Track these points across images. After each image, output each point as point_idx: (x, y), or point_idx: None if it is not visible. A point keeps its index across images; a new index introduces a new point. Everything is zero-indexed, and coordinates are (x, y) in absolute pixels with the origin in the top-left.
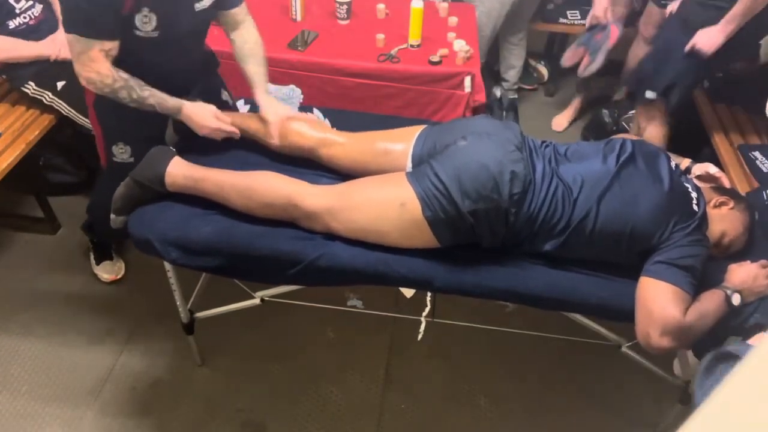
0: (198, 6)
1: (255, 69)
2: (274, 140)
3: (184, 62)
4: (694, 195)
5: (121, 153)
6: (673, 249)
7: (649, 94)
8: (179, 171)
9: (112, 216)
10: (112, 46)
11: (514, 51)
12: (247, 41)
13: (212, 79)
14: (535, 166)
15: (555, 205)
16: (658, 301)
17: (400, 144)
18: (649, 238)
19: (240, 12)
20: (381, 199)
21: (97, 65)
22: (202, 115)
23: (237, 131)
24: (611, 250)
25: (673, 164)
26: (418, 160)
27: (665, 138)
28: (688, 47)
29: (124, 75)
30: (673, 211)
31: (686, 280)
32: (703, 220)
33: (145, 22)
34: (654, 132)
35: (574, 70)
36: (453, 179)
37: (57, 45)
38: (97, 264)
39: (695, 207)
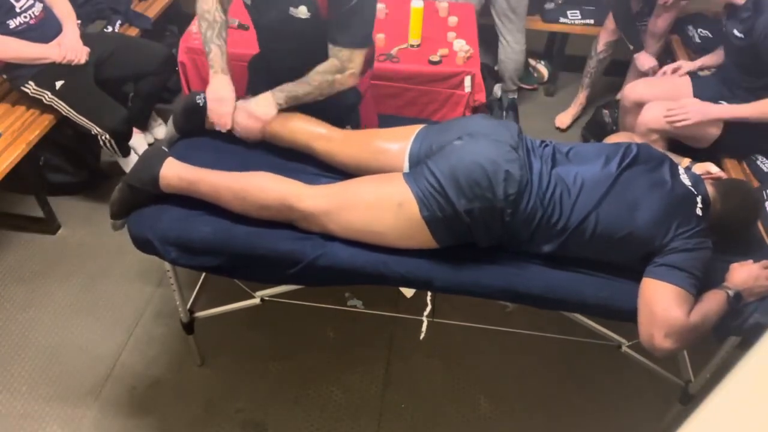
0: (293, 11)
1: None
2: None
3: (283, 65)
4: (699, 199)
5: None
6: (676, 251)
7: None
8: (173, 173)
9: (111, 221)
10: None
11: (515, 50)
12: (316, 70)
13: (332, 110)
14: (532, 167)
15: (553, 206)
16: (662, 302)
17: (397, 143)
18: (650, 242)
19: (332, 49)
20: (378, 199)
21: None
22: (215, 96)
23: (226, 127)
24: (612, 251)
25: (680, 169)
26: (416, 160)
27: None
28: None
29: (218, 17)
30: (675, 216)
31: (689, 281)
32: (708, 224)
33: None
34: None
35: (574, 69)
36: (449, 178)
37: (63, 49)
38: None
39: (699, 211)
